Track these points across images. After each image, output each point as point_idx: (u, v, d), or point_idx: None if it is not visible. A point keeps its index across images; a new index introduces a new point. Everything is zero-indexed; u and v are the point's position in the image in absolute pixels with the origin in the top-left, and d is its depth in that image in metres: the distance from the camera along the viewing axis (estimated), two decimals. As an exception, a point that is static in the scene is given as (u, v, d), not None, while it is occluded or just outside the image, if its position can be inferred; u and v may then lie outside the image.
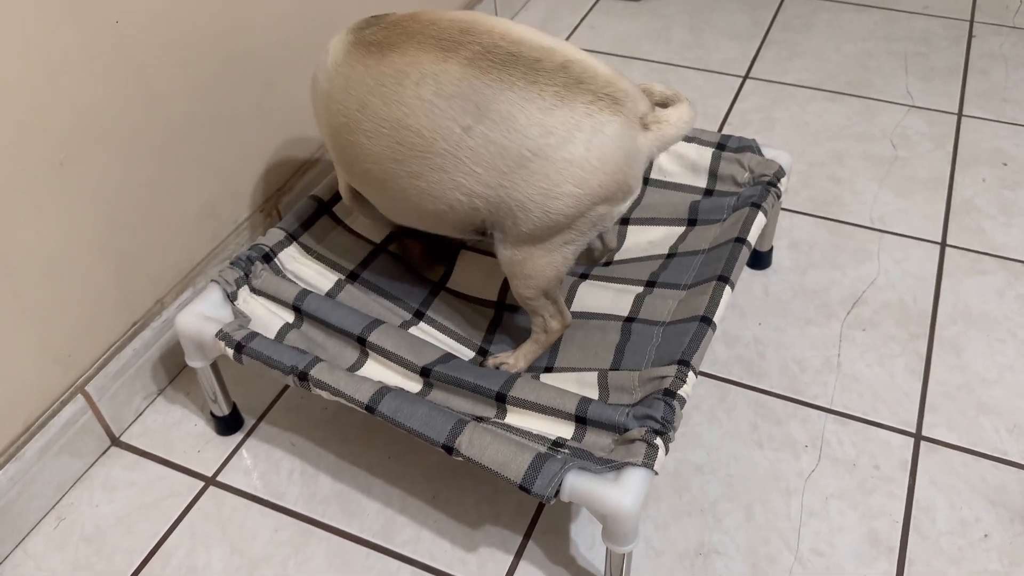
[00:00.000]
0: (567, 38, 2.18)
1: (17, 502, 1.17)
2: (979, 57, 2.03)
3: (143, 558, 1.17)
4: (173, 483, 1.26)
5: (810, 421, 1.29)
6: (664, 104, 1.08)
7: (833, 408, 1.30)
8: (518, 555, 1.15)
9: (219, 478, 1.26)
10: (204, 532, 1.20)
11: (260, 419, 1.33)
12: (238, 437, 1.31)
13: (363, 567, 1.15)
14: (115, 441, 1.31)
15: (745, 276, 1.51)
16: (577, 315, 1.23)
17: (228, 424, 1.31)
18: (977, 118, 1.84)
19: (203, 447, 1.30)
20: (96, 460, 1.29)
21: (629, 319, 1.20)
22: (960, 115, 1.86)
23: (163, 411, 1.36)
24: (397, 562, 1.15)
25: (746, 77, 2.01)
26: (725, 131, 1.86)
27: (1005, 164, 1.72)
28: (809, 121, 1.87)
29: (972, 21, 2.15)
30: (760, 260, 1.52)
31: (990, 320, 1.42)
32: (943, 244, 1.56)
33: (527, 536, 1.17)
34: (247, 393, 1.36)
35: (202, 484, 1.25)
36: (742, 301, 1.47)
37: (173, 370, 1.39)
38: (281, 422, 1.33)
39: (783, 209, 1.64)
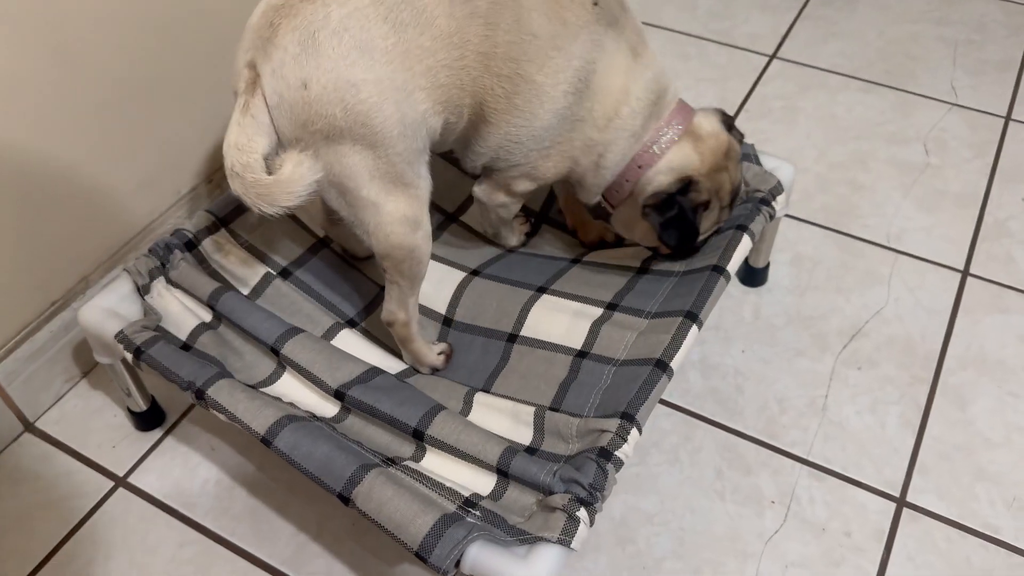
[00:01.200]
0: None
1: (-95, 494, 1.09)
2: (1040, 51, 1.80)
3: (37, 563, 1.09)
4: (82, 480, 1.17)
5: (782, 472, 1.15)
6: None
7: (811, 459, 1.16)
8: (434, 602, 1.04)
9: (130, 479, 1.17)
10: (106, 539, 1.11)
11: (182, 416, 1.23)
12: (157, 434, 1.21)
13: (265, 598, 1.05)
14: (28, 427, 1.22)
15: (736, 294, 1.36)
16: (525, 341, 1.10)
17: (146, 419, 1.21)
18: (1027, 124, 1.64)
19: (119, 442, 1.21)
20: (6, 447, 1.20)
21: (581, 353, 1.06)
22: (1008, 119, 1.65)
23: (84, 396, 1.26)
24: (303, 596, 1.05)
25: (773, 56, 1.81)
26: (742, 117, 1.68)
27: (1051, 181, 1.53)
28: (837, 114, 1.67)
29: (1038, 7, 1.91)
30: (755, 277, 1.36)
31: (1005, 369, 1.25)
32: (965, 272, 1.39)
33: (447, 580, 1.06)
34: (170, 386, 1.25)
35: (111, 484, 1.16)
36: (728, 323, 1.32)
37: (99, 352, 1.29)
38: (204, 421, 1.23)
39: (790, 217, 1.47)
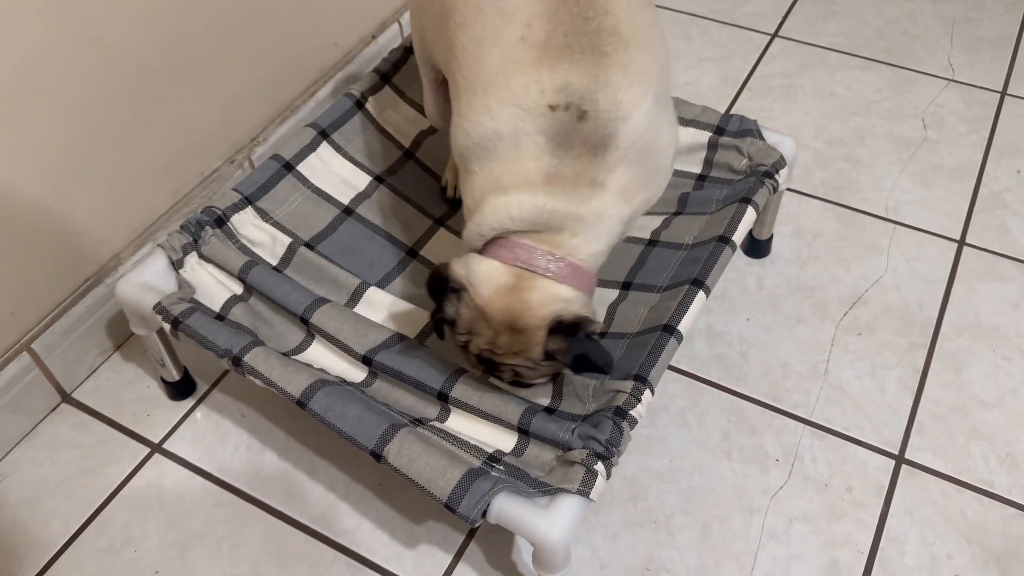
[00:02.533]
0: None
1: (-46, 460, 1.15)
2: (1035, 27, 1.84)
3: (79, 526, 1.15)
4: (118, 447, 1.22)
5: (786, 433, 1.21)
6: None
7: (813, 420, 1.22)
8: (458, 555, 1.10)
9: (165, 446, 1.23)
10: (143, 503, 1.17)
11: (213, 386, 1.29)
12: (189, 403, 1.27)
13: (298, 555, 1.11)
14: (66, 397, 1.28)
15: (740, 265, 1.41)
16: None
17: (179, 389, 1.26)
18: (1022, 98, 1.68)
19: (153, 411, 1.26)
20: (45, 417, 1.26)
21: (600, 334, 1.11)
22: (1004, 94, 1.70)
23: (117, 369, 1.32)
24: (333, 552, 1.11)
25: (774, 35, 1.86)
26: (744, 96, 1.73)
27: (1044, 155, 1.58)
28: (836, 91, 1.72)
29: (1034, -15, 1.95)
30: (758, 248, 1.41)
31: (999, 335, 1.31)
32: (961, 242, 1.44)
33: (469, 535, 1.12)
34: (201, 358, 1.31)
35: (147, 451, 1.22)
36: (732, 293, 1.37)
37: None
38: (234, 390, 1.28)
39: (791, 191, 1.52)
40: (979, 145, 1.60)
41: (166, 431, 1.24)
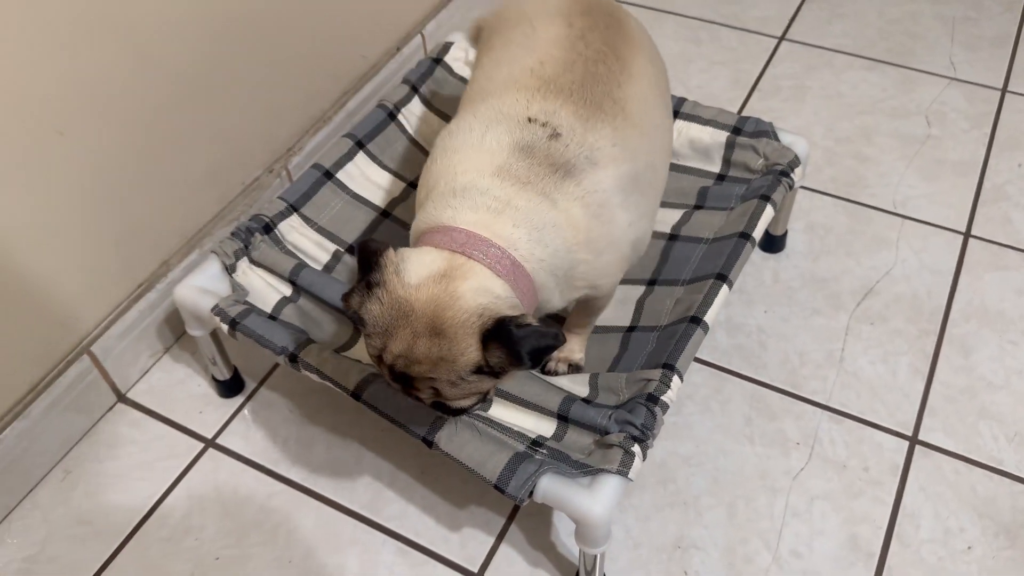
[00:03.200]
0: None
1: (23, 458, 1.22)
2: (1033, 26, 1.91)
3: (141, 517, 1.22)
4: (174, 443, 1.30)
5: (805, 418, 1.28)
6: None
7: (830, 405, 1.29)
8: (500, 537, 1.17)
9: (218, 441, 1.30)
10: (201, 494, 1.24)
11: (260, 384, 1.36)
12: (238, 400, 1.34)
13: (350, 539, 1.18)
14: (121, 397, 1.35)
15: (756, 260, 1.48)
16: None
17: (229, 387, 1.34)
18: (1022, 95, 1.75)
19: (204, 408, 1.34)
20: (103, 416, 1.33)
21: (630, 329, 1.18)
22: (1004, 91, 1.77)
23: (168, 370, 1.39)
24: (383, 536, 1.18)
25: (782, 39, 1.93)
26: (754, 97, 1.79)
27: (1044, 149, 1.65)
28: (843, 91, 1.79)
29: (1031, -16, 2.02)
30: (773, 244, 1.48)
31: (1005, 320, 1.38)
32: (967, 234, 1.51)
33: (510, 519, 1.19)
34: (249, 357, 1.38)
35: (202, 446, 1.29)
36: (750, 287, 1.44)
37: (179, 329, 1.42)
38: (280, 388, 1.35)
39: (803, 188, 1.59)
40: (981, 141, 1.67)
41: (218, 427, 1.31)
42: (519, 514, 1.19)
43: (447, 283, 0.85)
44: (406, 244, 1.30)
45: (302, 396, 1.34)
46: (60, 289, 1.21)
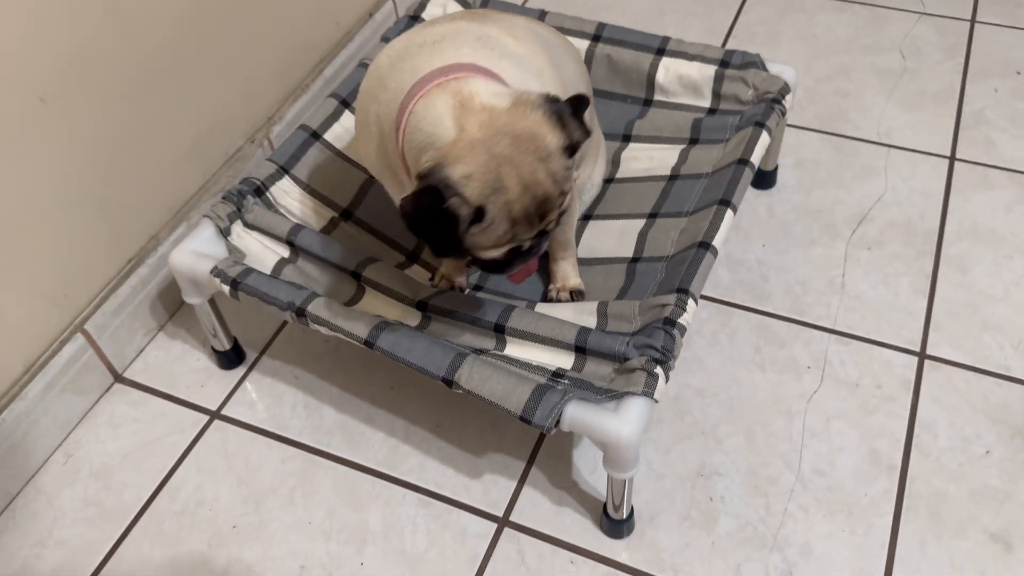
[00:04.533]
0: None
1: (24, 442, 1.18)
2: (994, -41, 1.94)
3: (151, 493, 1.19)
4: (177, 418, 1.26)
5: (813, 343, 1.28)
6: None
7: (836, 329, 1.29)
8: (522, 480, 1.16)
9: (223, 412, 1.27)
10: (210, 466, 1.21)
11: (262, 353, 1.33)
12: (241, 371, 1.31)
13: (370, 495, 1.16)
14: (118, 378, 1.32)
15: (749, 197, 1.48)
16: (582, 261, 1.21)
17: (230, 359, 1.31)
18: (991, 24, 1.78)
19: (206, 382, 1.31)
20: (100, 397, 1.30)
21: (634, 260, 1.18)
22: (973, 22, 1.79)
23: (164, 347, 1.36)
24: (403, 490, 1.16)
25: (751, -13, 1.93)
26: (729, 45, 1.80)
27: (1019, 73, 1.67)
28: (817, 33, 1.80)
29: (988, -80, 2.05)
30: (764, 180, 1.49)
31: (997, 237, 1.40)
32: (952, 159, 1.52)
33: (530, 462, 1.18)
34: (248, 327, 1.35)
35: (207, 418, 1.26)
36: (745, 223, 1.45)
37: (172, 306, 1.39)
38: (283, 355, 1.33)
39: (788, 126, 1.60)
40: (956, 70, 1.69)
41: (222, 398, 1.28)
42: (538, 456, 1.18)
43: (478, 107, 0.85)
44: (391, 207, 1.29)
45: (307, 361, 1.31)
46: (49, 266, 1.17)
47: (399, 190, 1.00)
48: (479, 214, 0.84)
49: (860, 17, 1.83)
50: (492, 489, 1.15)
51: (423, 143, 0.87)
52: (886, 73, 1.69)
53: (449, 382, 0.99)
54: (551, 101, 0.87)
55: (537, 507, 1.13)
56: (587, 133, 0.88)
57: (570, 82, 1.09)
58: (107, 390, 1.30)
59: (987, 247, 1.38)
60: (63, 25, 1.08)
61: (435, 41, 0.95)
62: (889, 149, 1.55)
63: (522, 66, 0.97)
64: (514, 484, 1.16)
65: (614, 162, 1.33)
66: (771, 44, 1.79)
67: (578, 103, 0.88)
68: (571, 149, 0.87)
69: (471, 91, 0.87)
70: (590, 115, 1.07)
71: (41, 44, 1.06)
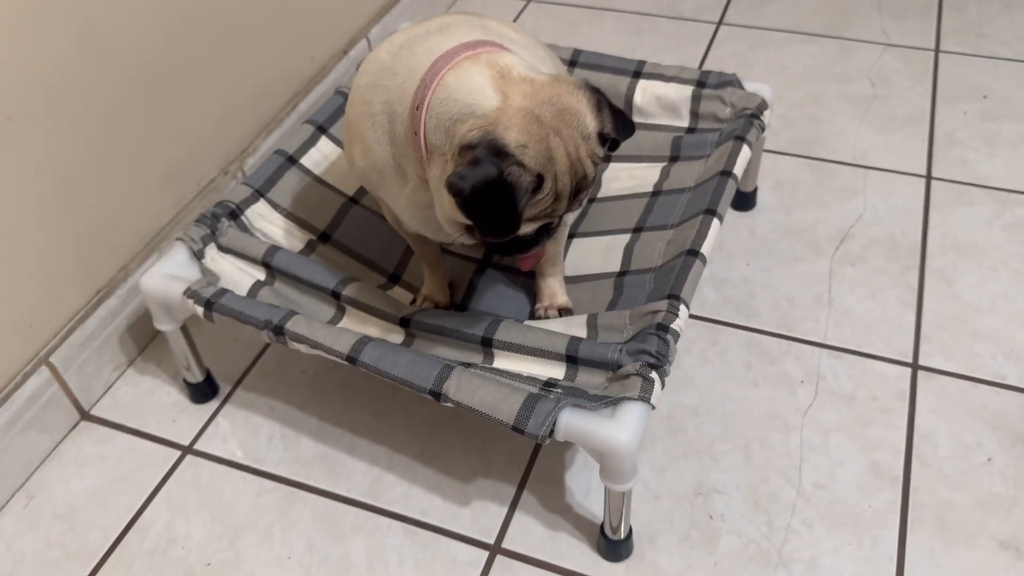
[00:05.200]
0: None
1: (-18, 480, 1.11)
2: (952, -5, 2.00)
3: (119, 533, 1.11)
4: (148, 454, 1.20)
5: (804, 357, 1.26)
6: None
7: (827, 343, 1.27)
8: (513, 506, 1.11)
9: (196, 446, 1.21)
10: (183, 502, 1.14)
11: (236, 385, 1.28)
12: (214, 404, 1.26)
13: (352, 527, 1.10)
14: (85, 415, 1.25)
15: (730, 218, 1.47)
16: (568, 279, 1.18)
17: (203, 391, 1.25)
18: (954, 53, 1.82)
19: (178, 416, 1.25)
20: (65, 436, 1.23)
21: (621, 274, 1.15)
22: (937, 51, 1.83)
23: (134, 382, 1.30)
24: (388, 520, 1.10)
25: (720, 23, 1.97)
26: (701, 78, 1.81)
27: (985, 97, 1.70)
28: (786, 64, 1.83)
29: (943, -40, 2.12)
30: (744, 201, 1.48)
31: (980, 250, 1.39)
32: (928, 177, 1.53)
33: (521, 486, 1.13)
34: (221, 359, 1.30)
35: (179, 453, 1.20)
36: (728, 243, 1.43)
37: (143, 340, 1.33)
38: (259, 387, 1.27)
39: (765, 151, 1.61)
40: (925, 96, 1.72)
41: (195, 433, 1.22)
42: (529, 480, 1.13)
43: (517, 78, 0.84)
44: (377, 231, 1.26)
45: (284, 392, 1.26)
46: (14, 293, 1.12)
47: (401, 186, 0.96)
48: (538, 183, 0.81)
49: (827, 49, 1.86)
50: (482, 516, 1.10)
51: (458, 113, 0.83)
52: (857, 99, 1.72)
53: (437, 395, 0.95)
54: (590, 86, 0.86)
55: (530, 532, 1.08)
56: (624, 132, 0.88)
57: None
58: (73, 428, 1.24)
59: (971, 260, 1.38)
60: (35, 41, 1.05)
61: (441, 29, 0.94)
62: (866, 170, 1.55)
63: (530, 53, 0.96)
64: (505, 510, 1.10)
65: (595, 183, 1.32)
66: (742, 75, 1.79)
67: (609, 101, 0.88)
68: (603, 139, 0.86)
69: (507, 63, 0.85)
70: None
71: (9, 59, 1.03)
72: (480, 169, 0.79)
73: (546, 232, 0.91)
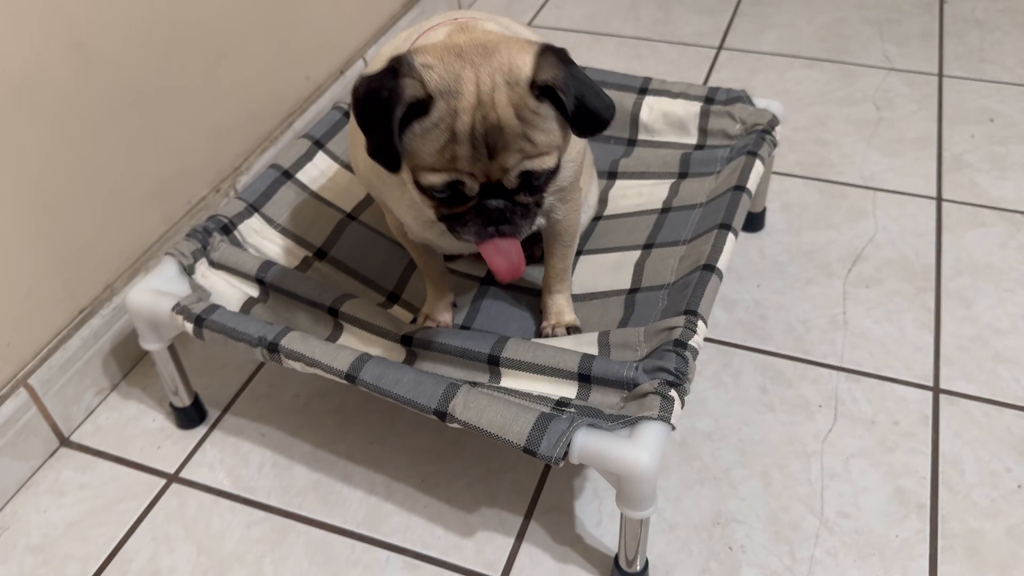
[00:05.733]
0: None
1: (-49, 510, 1.04)
2: (953, 22, 1.99)
3: (98, 566, 1.04)
4: (131, 483, 1.13)
5: (821, 381, 1.20)
6: None
7: (844, 366, 1.22)
8: (519, 537, 1.04)
9: (182, 474, 1.14)
10: (167, 533, 1.07)
11: (225, 410, 1.21)
12: (201, 430, 1.19)
13: (348, 560, 1.03)
14: (64, 441, 1.18)
15: (740, 240, 1.43)
16: (578, 297, 1.13)
17: (190, 416, 1.18)
18: (958, 78, 1.80)
19: (163, 443, 1.18)
20: (43, 463, 1.16)
21: (632, 291, 1.10)
22: (941, 75, 1.81)
23: (117, 408, 1.23)
24: (386, 552, 1.04)
25: (720, 48, 1.95)
26: (703, 102, 1.79)
27: (992, 120, 1.68)
28: (788, 88, 1.81)
29: (941, -12, 2.12)
30: (753, 222, 1.44)
31: (996, 271, 1.35)
32: (939, 199, 1.50)
33: (528, 516, 1.06)
34: (210, 383, 1.24)
35: (163, 482, 1.13)
36: (738, 264, 1.39)
37: (127, 363, 1.27)
38: (249, 413, 1.21)
39: (772, 173, 1.57)
40: (931, 119, 1.69)
41: (181, 460, 1.15)
42: (536, 510, 1.07)
43: (476, 29, 0.82)
44: (376, 248, 1.21)
45: (275, 418, 1.20)
46: (-9, 310, 1.06)
47: (402, 187, 0.90)
48: (423, 106, 0.76)
49: (829, 73, 1.84)
50: (487, 548, 1.03)
51: None
52: (862, 122, 1.69)
53: (443, 415, 0.89)
54: (554, 48, 0.80)
55: (538, 565, 1.01)
56: (564, 79, 0.77)
57: None
58: (51, 455, 1.17)
59: (987, 281, 1.34)
60: (18, 50, 1.00)
61: (443, 22, 0.89)
62: (875, 192, 1.52)
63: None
64: (511, 541, 1.04)
65: (602, 200, 1.28)
66: (745, 99, 1.78)
67: (576, 76, 0.79)
68: (539, 87, 0.77)
69: (476, 22, 0.84)
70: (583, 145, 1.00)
71: (-8, 64, 0.98)
72: (377, 76, 0.77)
73: (479, 214, 0.81)
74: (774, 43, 1.95)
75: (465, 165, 0.78)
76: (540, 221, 0.99)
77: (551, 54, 0.79)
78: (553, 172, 0.82)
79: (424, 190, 0.81)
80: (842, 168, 1.58)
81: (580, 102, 0.78)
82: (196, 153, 1.34)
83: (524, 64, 0.78)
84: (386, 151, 0.77)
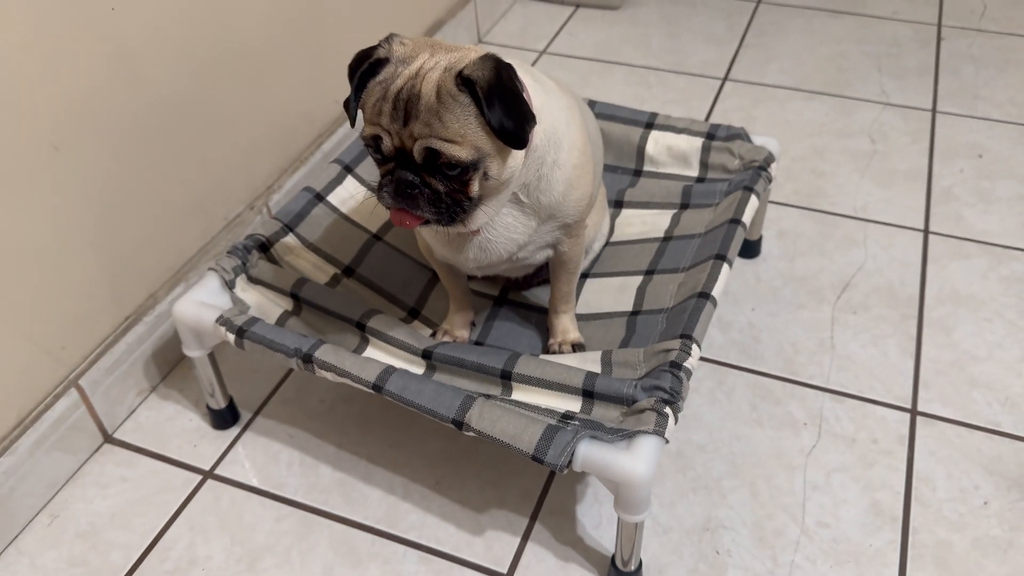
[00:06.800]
0: (546, 46, 2.21)
1: (10, 499, 1.14)
2: (949, 58, 2.08)
3: (141, 552, 1.14)
4: (169, 477, 1.23)
5: (808, 400, 1.30)
6: None
7: (830, 387, 1.32)
8: (525, 537, 1.14)
9: (217, 471, 1.24)
10: (203, 524, 1.17)
11: (256, 413, 1.32)
12: (234, 431, 1.29)
13: (369, 553, 1.13)
14: (108, 438, 1.29)
15: (736, 264, 1.53)
16: (580, 316, 1.23)
17: (224, 418, 1.29)
18: (951, 114, 1.89)
19: (199, 442, 1.28)
20: (89, 457, 1.26)
21: (634, 313, 1.20)
22: (934, 111, 1.91)
23: (156, 408, 1.33)
24: (403, 547, 1.13)
25: (725, 79, 2.05)
26: (707, 130, 1.89)
27: (981, 156, 1.77)
28: (789, 119, 1.90)
29: (940, 25, 2.21)
30: (750, 249, 1.54)
31: (977, 301, 1.45)
32: (926, 231, 1.59)
33: (533, 518, 1.16)
34: (242, 388, 1.34)
35: (199, 477, 1.23)
36: (734, 288, 1.49)
37: (166, 367, 1.37)
38: (278, 415, 1.31)
39: (769, 202, 1.67)
40: (923, 153, 1.79)
41: (216, 458, 1.25)
42: (541, 512, 1.17)
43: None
44: (399, 266, 1.31)
45: (303, 421, 1.30)
46: (49, 317, 1.16)
47: None
48: (378, 64, 0.91)
49: (828, 105, 1.94)
50: (495, 545, 1.13)
51: None
52: (858, 154, 1.79)
53: (460, 424, 0.99)
54: (493, 56, 0.90)
55: (542, 563, 1.11)
56: (488, 80, 0.87)
57: (593, 136, 1.13)
58: (96, 450, 1.27)
59: (968, 311, 1.43)
60: (74, 73, 1.11)
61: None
62: (867, 223, 1.61)
63: (547, 89, 1.01)
64: (518, 540, 1.14)
65: (609, 228, 1.38)
66: (746, 128, 1.87)
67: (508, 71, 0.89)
68: (462, 79, 0.87)
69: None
70: (596, 178, 1.11)
71: (55, 91, 1.08)
72: (368, 49, 0.93)
73: (390, 175, 0.92)
74: (776, 75, 2.05)
75: (385, 122, 0.90)
76: (548, 252, 1.09)
77: (490, 60, 0.89)
78: (468, 168, 0.90)
79: (367, 144, 0.94)
80: (836, 199, 1.67)
81: (494, 104, 0.87)
82: (233, 172, 1.44)
83: (466, 60, 0.89)
84: (354, 96, 0.93)
